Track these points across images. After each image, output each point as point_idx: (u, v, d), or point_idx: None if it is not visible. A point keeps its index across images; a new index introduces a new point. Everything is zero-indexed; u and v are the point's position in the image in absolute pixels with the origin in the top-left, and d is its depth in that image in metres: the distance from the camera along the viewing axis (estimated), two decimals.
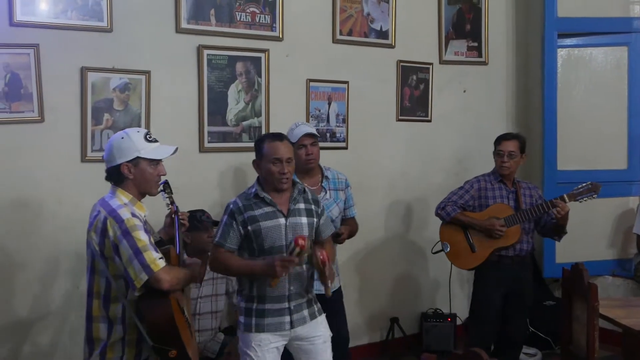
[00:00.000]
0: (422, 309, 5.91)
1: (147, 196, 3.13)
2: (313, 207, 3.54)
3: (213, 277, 4.38)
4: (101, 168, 4.33)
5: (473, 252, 4.58)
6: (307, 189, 3.61)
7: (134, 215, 2.92)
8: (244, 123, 4.97)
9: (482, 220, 4.56)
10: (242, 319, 3.46)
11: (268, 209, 3.41)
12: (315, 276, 3.52)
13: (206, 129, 4.81)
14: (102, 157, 3.08)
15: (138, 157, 3.00)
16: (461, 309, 5.72)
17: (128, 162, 2.99)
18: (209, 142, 4.83)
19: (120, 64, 4.47)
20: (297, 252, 3.20)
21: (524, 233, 4.58)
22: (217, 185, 4.90)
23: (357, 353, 5.45)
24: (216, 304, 4.43)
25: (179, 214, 3.35)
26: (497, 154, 4.64)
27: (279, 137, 3.52)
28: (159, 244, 3.24)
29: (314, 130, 4.29)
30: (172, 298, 2.89)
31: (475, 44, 6.11)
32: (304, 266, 3.45)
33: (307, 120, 5.21)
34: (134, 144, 3.00)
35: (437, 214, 4.69)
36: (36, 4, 4.18)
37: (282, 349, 3.48)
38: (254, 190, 3.47)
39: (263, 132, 4.97)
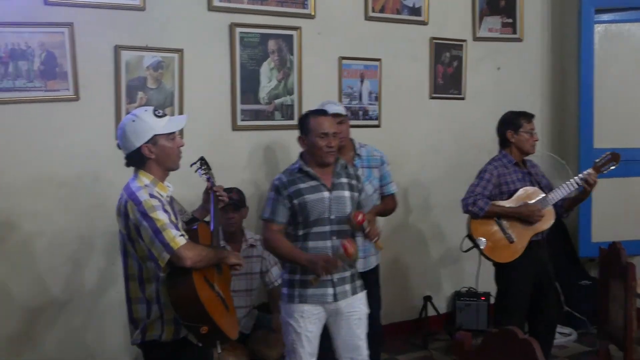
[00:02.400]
0: (455, 287, 5.89)
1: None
2: (354, 182, 3.61)
3: (247, 255, 4.41)
4: None
5: (512, 243, 4.30)
6: (348, 165, 3.66)
7: (152, 196, 2.90)
8: (277, 101, 4.96)
9: (518, 207, 4.30)
10: (285, 290, 3.53)
11: (312, 182, 3.49)
12: (363, 253, 3.58)
13: (239, 107, 4.82)
14: (117, 145, 3.05)
15: (155, 135, 2.97)
16: (494, 288, 5.67)
17: (147, 142, 2.96)
18: (241, 120, 4.83)
19: (154, 43, 4.48)
20: (343, 258, 3.30)
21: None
22: (249, 163, 4.91)
23: (390, 331, 5.46)
24: (251, 282, 4.46)
25: (215, 188, 3.34)
26: (528, 132, 4.39)
27: (324, 112, 3.61)
28: (191, 222, 3.25)
29: (341, 109, 4.26)
30: (196, 275, 2.88)
31: (510, 20, 6.02)
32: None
33: (340, 98, 5.18)
34: (147, 123, 2.96)
35: (467, 211, 4.33)
36: None
37: (323, 322, 3.53)
38: (297, 165, 3.55)
39: (295, 110, 4.98)
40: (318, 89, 5.06)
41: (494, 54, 5.98)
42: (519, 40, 6.08)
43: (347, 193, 3.53)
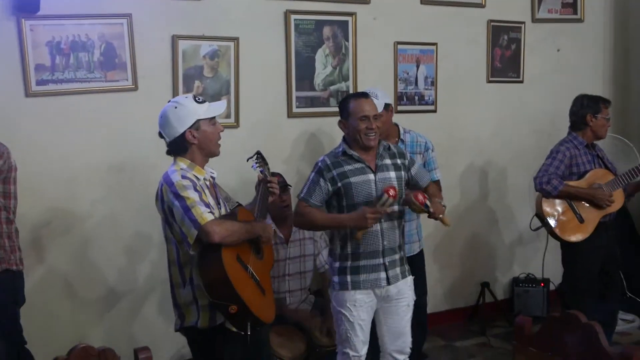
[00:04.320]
0: (513, 273, 5.81)
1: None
2: (399, 160, 3.56)
3: (300, 237, 4.43)
4: None
5: (582, 223, 4.33)
6: (391, 146, 3.61)
7: (184, 177, 2.94)
8: (332, 88, 4.96)
9: (589, 189, 4.32)
10: (336, 278, 3.49)
11: (357, 165, 3.45)
12: (405, 239, 3.55)
13: (294, 94, 4.83)
14: (159, 133, 3.09)
15: (198, 120, 3.01)
16: (554, 274, 5.58)
17: (190, 128, 3.01)
18: (297, 107, 4.85)
19: (210, 32, 4.52)
20: (388, 203, 3.25)
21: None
22: (305, 149, 4.93)
23: (447, 317, 5.44)
24: (304, 265, 4.48)
25: (270, 179, 3.35)
26: (605, 118, 4.42)
27: (364, 94, 3.57)
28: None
29: (382, 99, 4.17)
30: (228, 252, 2.89)
31: (570, 1, 5.87)
32: (395, 221, 3.47)
33: (395, 84, 5.15)
34: (189, 109, 3.01)
35: (541, 189, 4.35)
36: None
37: (374, 308, 3.51)
38: (341, 149, 3.51)
39: None
40: (373, 75, 5.04)
41: (554, 35, 5.85)
42: (580, 20, 5.93)
43: (392, 174, 3.47)
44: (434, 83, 5.35)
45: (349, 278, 3.43)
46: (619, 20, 6.05)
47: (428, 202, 3.35)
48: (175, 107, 3.03)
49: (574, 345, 2.19)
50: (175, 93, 4.42)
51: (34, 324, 4.03)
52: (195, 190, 2.93)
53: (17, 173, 3.66)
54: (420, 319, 4.14)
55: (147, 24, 4.33)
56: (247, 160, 3.39)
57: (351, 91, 4.97)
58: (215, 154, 3.13)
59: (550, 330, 2.29)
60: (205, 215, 2.85)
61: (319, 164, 3.50)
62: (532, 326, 2.42)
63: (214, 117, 3.08)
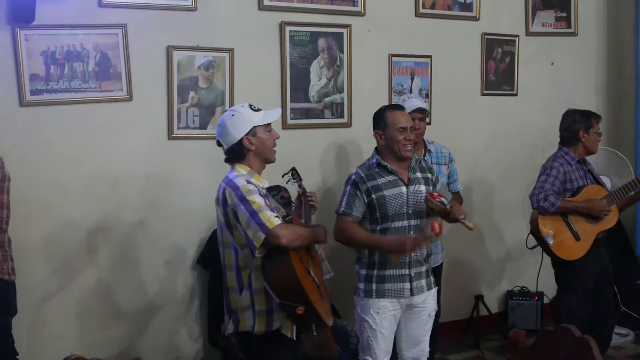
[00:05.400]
0: (507, 287, 5.81)
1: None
2: (429, 175, 3.65)
3: None
4: (187, 144, 4.47)
5: (578, 241, 4.30)
6: (422, 159, 3.69)
7: (249, 182, 3.02)
8: (326, 99, 4.96)
9: (588, 203, 4.29)
10: (361, 285, 3.55)
11: (390, 177, 3.52)
12: (432, 251, 3.68)
13: (289, 105, 4.83)
14: (217, 142, 3.17)
15: (254, 127, 3.09)
16: (547, 287, 5.57)
17: (247, 134, 3.08)
18: (291, 118, 4.85)
19: (205, 42, 4.52)
20: (431, 237, 3.37)
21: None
22: (300, 161, 4.88)
23: (441, 330, 5.40)
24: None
25: (308, 194, 3.41)
26: (597, 133, 4.42)
27: (400, 107, 3.68)
28: (284, 218, 3.29)
29: (425, 105, 4.33)
30: (294, 255, 2.95)
31: (564, 14, 5.90)
32: None
33: (390, 96, 5.16)
34: (245, 116, 3.10)
35: (538, 207, 4.28)
36: None
37: (398, 317, 3.55)
38: (375, 160, 3.57)
39: (345, 108, 4.98)
40: (368, 87, 5.05)
41: (548, 48, 5.87)
42: (574, 34, 5.96)
43: (423, 187, 3.55)
44: (428, 95, 5.36)
45: (374, 286, 3.49)
46: (612, 34, 6.09)
47: (444, 200, 3.42)
48: (233, 115, 3.12)
49: (568, 359, 2.18)
50: (169, 104, 4.42)
51: (25, 335, 4.01)
52: (260, 195, 3.00)
53: (10, 183, 3.64)
54: (435, 329, 4.14)
55: (142, 35, 4.33)
56: (283, 176, 3.48)
57: (346, 103, 4.98)
58: (271, 160, 3.20)
59: (544, 344, 2.28)
60: (272, 219, 2.92)
61: (353, 176, 3.57)
62: (526, 339, 2.41)
63: (269, 124, 3.15)
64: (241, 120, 3.09)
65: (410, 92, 5.25)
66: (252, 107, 3.16)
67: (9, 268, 3.60)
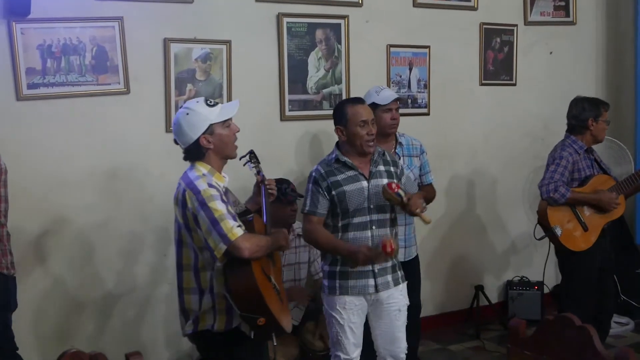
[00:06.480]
0: (507, 276, 5.81)
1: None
2: (392, 168, 3.55)
3: (296, 245, 4.42)
4: None
5: (586, 231, 4.30)
6: (385, 152, 3.61)
7: (210, 185, 2.91)
8: (325, 91, 4.95)
9: (597, 194, 4.29)
10: (325, 281, 3.50)
11: (350, 172, 3.45)
12: (405, 242, 3.64)
13: (287, 97, 4.82)
14: (174, 141, 3.06)
15: (211, 125, 2.97)
16: (548, 277, 5.57)
17: (204, 133, 2.96)
18: (289, 110, 4.83)
19: (202, 35, 4.51)
20: (381, 258, 3.29)
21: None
22: (298, 153, 4.91)
23: (441, 321, 5.43)
24: (299, 272, 4.47)
25: (266, 182, 3.33)
26: (605, 122, 4.39)
27: (360, 100, 3.57)
28: (244, 214, 3.25)
29: (396, 94, 4.27)
30: (255, 265, 2.89)
31: (563, 3, 5.88)
32: (387, 228, 3.47)
33: (388, 86, 5.13)
34: (201, 114, 2.96)
35: (548, 197, 4.25)
36: None
37: (366, 312, 3.50)
38: (334, 155, 3.50)
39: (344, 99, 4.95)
40: (366, 78, 5.02)
41: (546, 38, 5.86)
42: (572, 23, 5.94)
43: (385, 181, 3.42)
44: (426, 86, 5.35)
45: (337, 283, 3.44)
46: (611, 22, 6.07)
47: (401, 192, 3.31)
48: (187, 114, 2.98)
49: (569, 348, 2.18)
50: (167, 96, 4.41)
51: (26, 329, 4.01)
52: (222, 201, 2.90)
53: (7, 176, 3.62)
54: (415, 323, 4.12)
55: (138, 27, 4.31)
56: (240, 159, 3.37)
57: (344, 94, 4.96)
58: (232, 156, 3.10)
59: (544, 333, 2.28)
60: (235, 230, 2.83)
61: (313, 173, 3.50)
62: (527, 329, 2.41)
63: (228, 119, 3.03)
64: (197, 119, 2.96)
65: (409, 82, 5.24)
66: (208, 102, 3.02)
67: (7, 262, 3.58)
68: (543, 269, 5.33)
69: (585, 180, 4.34)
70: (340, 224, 3.46)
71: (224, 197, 2.95)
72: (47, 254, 4.20)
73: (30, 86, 4.06)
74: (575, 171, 4.34)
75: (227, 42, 4.56)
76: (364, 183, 3.43)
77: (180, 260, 3.04)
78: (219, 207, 2.86)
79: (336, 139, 3.59)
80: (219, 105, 3.04)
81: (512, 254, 5.88)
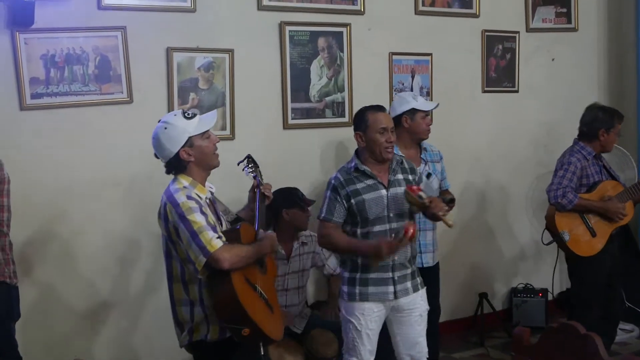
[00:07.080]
0: (511, 284, 5.80)
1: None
2: (410, 176, 3.58)
3: (300, 253, 4.41)
4: None
5: (594, 237, 4.33)
6: (404, 159, 3.64)
7: (190, 197, 2.90)
8: (327, 99, 4.95)
9: (603, 202, 4.31)
10: (345, 288, 3.52)
11: (369, 181, 3.47)
12: (419, 250, 3.63)
13: (289, 105, 4.82)
14: (155, 155, 3.06)
15: (190, 137, 2.96)
16: (551, 284, 5.55)
17: (183, 146, 2.96)
18: (292, 118, 4.84)
19: (204, 44, 4.51)
20: (404, 242, 3.28)
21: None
22: (302, 161, 4.91)
23: (446, 328, 5.40)
24: (302, 279, 4.47)
25: (262, 186, 3.31)
26: (617, 133, 4.42)
27: (381, 108, 3.60)
28: (235, 222, 3.24)
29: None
30: (237, 275, 2.86)
31: (564, 10, 5.88)
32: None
33: (391, 94, 5.15)
34: (179, 127, 2.96)
35: (556, 203, 4.28)
36: None
37: (383, 319, 3.52)
38: (353, 164, 3.53)
39: (346, 107, 4.97)
40: (369, 86, 5.04)
41: (548, 44, 5.86)
42: (574, 30, 5.94)
43: (404, 190, 3.45)
44: (429, 93, 5.35)
45: (357, 289, 3.46)
46: (612, 28, 6.07)
47: (422, 194, 3.34)
48: (165, 128, 2.98)
49: (573, 356, 2.17)
50: (170, 105, 4.41)
51: (29, 339, 4.00)
52: (202, 212, 2.89)
53: (9, 186, 3.62)
54: (434, 329, 4.13)
55: (141, 37, 4.32)
56: (238, 164, 3.37)
57: (347, 102, 4.97)
58: (214, 166, 3.09)
59: (549, 341, 2.27)
60: (214, 242, 2.82)
61: (332, 181, 3.52)
62: (531, 337, 2.40)
63: (206, 131, 3.02)
64: (175, 133, 2.95)
65: (411, 89, 5.24)
66: (186, 114, 3.01)
67: (10, 271, 3.58)
68: (552, 275, 5.34)
69: (593, 186, 4.36)
70: (359, 232, 3.48)
71: (204, 209, 2.92)
72: (48, 263, 4.19)
73: (34, 96, 4.07)
74: (583, 177, 4.36)
75: (230, 51, 4.57)
76: (383, 192, 3.46)
77: (170, 272, 3.05)
78: (197, 219, 2.85)
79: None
80: (197, 116, 3.04)
81: (517, 261, 5.87)
